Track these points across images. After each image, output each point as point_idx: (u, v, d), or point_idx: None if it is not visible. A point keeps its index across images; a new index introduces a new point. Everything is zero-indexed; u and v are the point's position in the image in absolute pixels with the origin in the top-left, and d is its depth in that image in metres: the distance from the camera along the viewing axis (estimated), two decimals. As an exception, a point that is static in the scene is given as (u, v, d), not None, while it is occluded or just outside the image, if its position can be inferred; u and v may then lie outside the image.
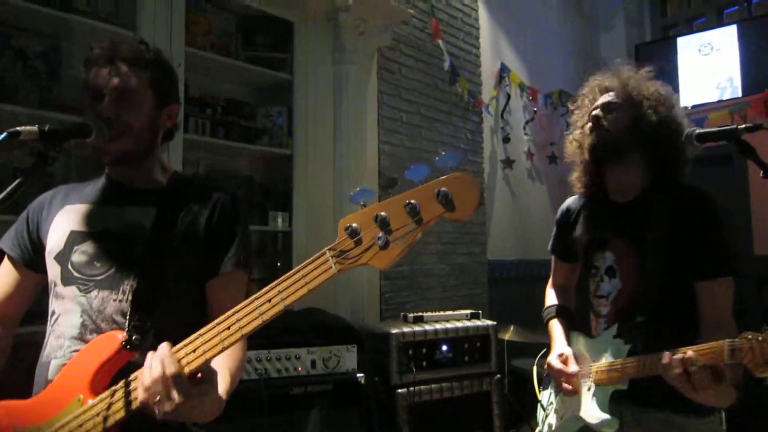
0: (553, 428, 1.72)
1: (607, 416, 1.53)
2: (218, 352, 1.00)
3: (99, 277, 1.23)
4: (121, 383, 1.09)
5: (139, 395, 1.00)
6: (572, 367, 1.64)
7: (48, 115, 2.11)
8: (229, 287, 1.30)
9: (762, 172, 1.36)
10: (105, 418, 1.07)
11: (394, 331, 2.74)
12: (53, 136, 1.11)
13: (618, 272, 1.62)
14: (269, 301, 0.97)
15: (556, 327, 1.81)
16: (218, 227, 1.30)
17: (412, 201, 0.90)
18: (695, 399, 1.32)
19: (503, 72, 4.47)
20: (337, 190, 3.16)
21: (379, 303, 3.33)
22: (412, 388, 2.70)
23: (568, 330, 1.78)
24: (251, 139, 2.86)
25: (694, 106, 4.93)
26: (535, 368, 1.94)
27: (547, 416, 1.77)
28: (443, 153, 0.91)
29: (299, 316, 2.53)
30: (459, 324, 2.97)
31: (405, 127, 3.64)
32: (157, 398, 0.97)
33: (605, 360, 1.57)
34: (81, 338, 1.20)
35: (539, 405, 1.82)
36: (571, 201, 1.86)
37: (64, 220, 1.30)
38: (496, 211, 4.37)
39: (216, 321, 1.01)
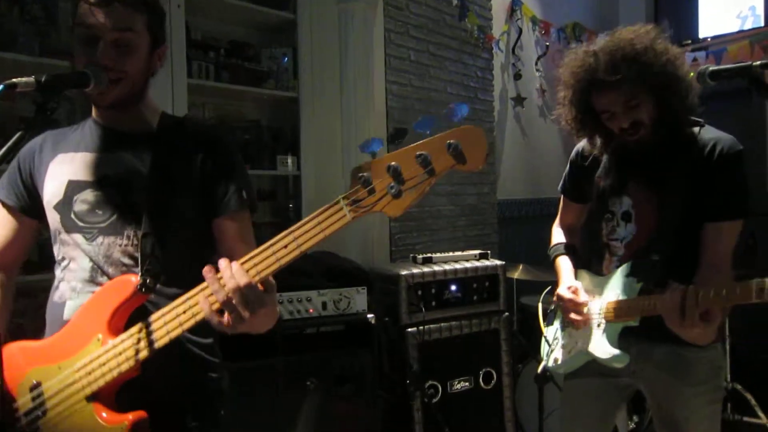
0: (559, 362, 1.76)
1: (617, 351, 1.56)
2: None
3: (102, 224, 1.25)
4: (140, 324, 1.13)
5: (212, 308, 1.04)
6: (583, 297, 1.66)
7: (49, 62, 2.08)
8: (235, 225, 1.31)
9: None
10: (128, 357, 1.11)
11: (404, 272, 2.77)
12: (51, 86, 1.10)
13: (634, 217, 1.64)
14: (285, 246, 1.02)
15: (564, 262, 1.82)
16: (215, 168, 1.30)
17: (424, 152, 0.93)
18: (680, 334, 1.41)
19: (515, 5, 4.30)
20: (345, 131, 3.12)
21: (389, 245, 3.36)
22: (421, 327, 2.76)
23: (576, 268, 1.80)
24: (256, 81, 2.81)
25: (713, 37, 4.75)
26: (540, 304, 1.97)
27: (552, 351, 1.81)
28: (452, 106, 0.95)
29: (310, 260, 2.57)
30: (468, 264, 3.00)
31: (413, 66, 3.56)
32: (233, 308, 1.02)
33: (617, 297, 1.59)
34: (93, 281, 1.24)
35: (544, 339, 1.86)
36: (586, 142, 1.82)
37: (59, 170, 1.30)
38: (507, 150, 4.32)
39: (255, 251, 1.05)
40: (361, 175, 0.97)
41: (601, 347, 1.60)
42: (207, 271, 1.04)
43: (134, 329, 1.13)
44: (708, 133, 1.59)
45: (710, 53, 4.43)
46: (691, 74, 1.51)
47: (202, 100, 2.76)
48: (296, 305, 2.40)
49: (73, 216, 1.26)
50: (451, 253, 3.13)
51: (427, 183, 0.95)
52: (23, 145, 1.11)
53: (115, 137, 1.32)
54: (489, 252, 3.23)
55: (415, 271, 2.82)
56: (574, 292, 1.68)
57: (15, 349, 1.25)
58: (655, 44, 1.52)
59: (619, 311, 1.57)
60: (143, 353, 1.11)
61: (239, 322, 1.03)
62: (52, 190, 1.29)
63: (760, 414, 3.06)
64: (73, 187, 1.27)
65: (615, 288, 1.61)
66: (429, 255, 3.02)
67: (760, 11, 4.60)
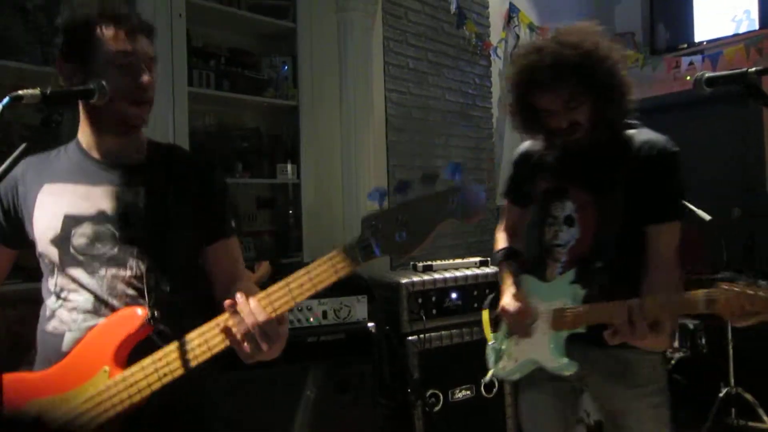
0: (507, 370, 1.75)
1: (565, 360, 1.57)
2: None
3: (104, 257, 1.25)
4: (152, 356, 1.14)
5: (232, 341, 1.09)
6: (526, 306, 1.64)
7: (53, 70, 2.06)
8: (229, 252, 1.37)
9: None
10: (140, 389, 1.13)
11: (404, 280, 2.77)
12: (57, 98, 1.11)
13: (577, 221, 1.63)
14: (301, 285, 1.08)
15: (506, 269, 1.81)
16: (206, 198, 1.35)
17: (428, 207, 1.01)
18: (633, 344, 1.43)
19: (512, 12, 4.32)
20: (344, 139, 3.14)
21: (389, 252, 3.35)
22: (422, 336, 2.75)
23: (521, 273, 1.78)
24: (257, 90, 2.82)
25: (709, 41, 4.78)
26: (485, 312, 1.94)
27: (499, 359, 1.78)
28: (451, 164, 1.02)
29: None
30: (468, 272, 3.00)
31: (412, 74, 3.57)
32: (254, 340, 1.07)
33: (562, 304, 1.59)
34: (96, 312, 1.24)
35: (490, 348, 1.83)
36: (528, 145, 1.83)
37: (50, 201, 1.29)
38: (506, 156, 4.32)
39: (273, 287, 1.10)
40: (370, 222, 1.05)
41: (549, 356, 1.60)
42: (228, 305, 1.09)
43: (147, 361, 1.14)
44: (643, 135, 1.59)
45: (706, 57, 4.45)
46: (624, 71, 1.53)
47: (202, 108, 2.76)
48: (297, 314, 2.39)
49: (72, 250, 1.26)
50: (451, 261, 3.13)
51: (428, 237, 1.04)
52: (24, 158, 1.11)
53: (108, 170, 1.31)
54: (489, 259, 3.23)
55: (416, 279, 2.82)
56: (518, 301, 1.66)
57: (13, 380, 1.24)
58: (599, 47, 1.51)
59: (565, 319, 1.57)
60: (155, 385, 1.13)
61: (258, 353, 1.08)
62: (46, 224, 1.28)
63: (765, 418, 3.06)
64: (70, 221, 1.27)
65: (560, 295, 1.60)
66: (429, 263, 3.02)
67: (755, 15, 4.64)
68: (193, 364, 1.12)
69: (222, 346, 1.11)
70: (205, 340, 1.11)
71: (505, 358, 1.76)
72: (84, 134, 1.33)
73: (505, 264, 1.83)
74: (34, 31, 2.15)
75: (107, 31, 1.24)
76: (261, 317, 1.06)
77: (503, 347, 1.77)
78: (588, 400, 1.80)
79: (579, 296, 1.56)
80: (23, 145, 1.09)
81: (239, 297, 1.09)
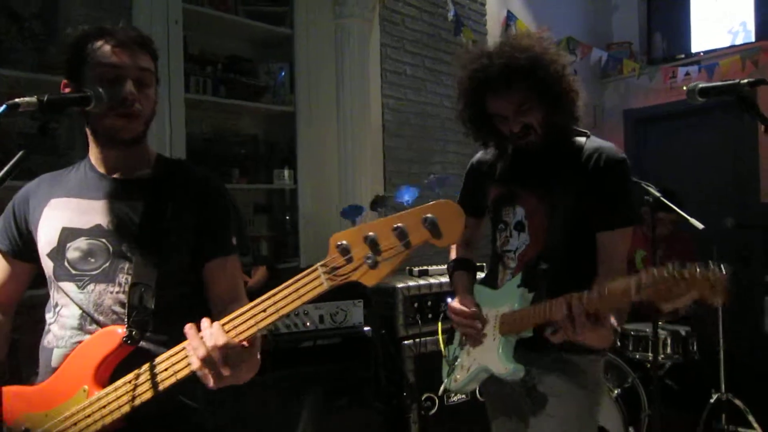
0: (459, 382, 1.73)
1: (512, 365, 1.56)
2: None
3: (94, 272, 1.25)
4: (125, 378, 1.14)
5: (193, 365, 1.05)
6: (472, 308, 1.64)
7: (48, 78, 2.09)
8: (227, 271, 1.33)
9: (764, 127, 1.37)
10: (111, 411, 1.13)
11: (400, 285, 2.78)
12: (53, 106, 1.12)
13: (527, 227, 1.64)
14: (264, 311, 1.04)
15: (458, 278, 1.82)
16: (208, 217, 1.32)
17: (401, 225, 0.93)
18: (575, 340, 1.41)
19: (510, 20, 4.35)
20: (341, 145, 3.15)
21: (386, 257, 3.36)
22: (418, 340, 2.76)
23: (473, 283, 1.79)
24: (253, 96, 2.84)
25: (705, 52, 4.81)
26: (440, 324, 1.95)
27: (453, 370, 1.77)
28: (432, 176, 0.93)
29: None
30: (464, 277, 3.01)
31: (409, 80, 3.60)
32: (214, 366, 1.03)
33: (510, 309, 1.59)
34: (81, 329, 1.24)
35: (444, 361, 1.82)
36: (480, 155, 1.85)
37: (53, 215, 1.30)
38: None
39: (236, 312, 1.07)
40: (340, 243, 0.96)
41: (497, 362, 1.58)
42: (188, 329, 1.06)
43: (120, 383, 1.14)
44: (592, 143, 1.61)
45: (702, 68, 4.48)
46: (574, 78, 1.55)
47: (199, 115, 2.78)
48: (293, 319, 2.41)
49: (66, 264, 1.26)
50: (446, 266, 3.14)
51: (403, 255, 0.94)
52: (21, 166, 1.12)
53: (110, 184, 1.32)
54: (485, 264, 3.24)
55: (411, 283, 2.83)
56: (464, 304, 1.66)
57: (11, 393, 1.26)
58: (548, 53, 1.54)
59: (512, 323, 1.56)
60: (125, 408, 1.12)
61: (219, 379, 1.04)
62: (46, 237, 1.29)
63: (755, 424, 3.07)
64: (67, 235, 1.28)
65: (508, 299, 1.60)
66: (425, 267, 3.04)
67: (751, 27, 4.67)
68: (160, 388, 1.10)
69: (187, 371, 1.08)
70: (171, 364, 1.10)
71: (458, 369, 1.74)
72: (91, 149, 1.34)
73: (456, 275, 1.84)
74: (30, 39, 2.16)
75: (97, 46, 1.25)
76: (221, 341, 1.02)
77: (456, 358, 1.76)
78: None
79: (527, 299, 1.56)
80: (21, 153, 1.11)
81: (204, 321, 1.06)
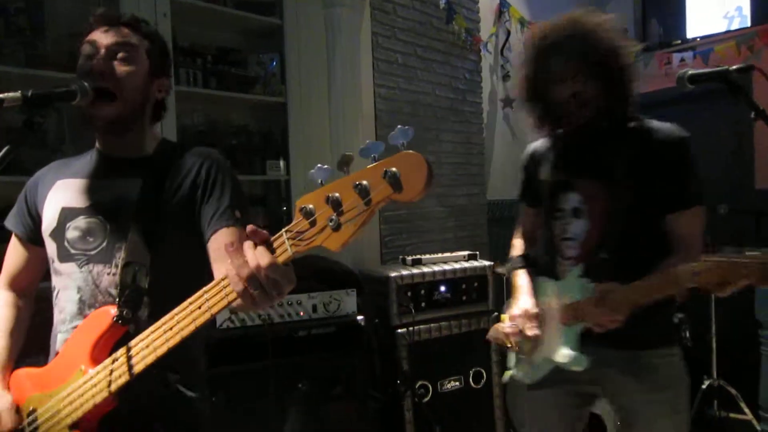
0: (525, 373, 1.74)
1: (574, 353, 1.56)
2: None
3: (92, 252, 1.26)
4: (113, 356, 1.13)
5: (237, 289, 0.94)
6: (535, 312, 1.65)
7: (37, 73, 2.09)
8: (226, 242, 1.28)
9: (753, 112, 1.38)
10: (107, 384, 1.12)
11: (393, 274, 2.80)
12: (37, 101, 1.13)
13: (585, 213, 1.63)
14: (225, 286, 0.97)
15: (519, 278, 1.80)
16: (206, 187, 1.30)
17: (362, 181, 0.87)
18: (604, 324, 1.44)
19: (503, 7, 4.33)
20: (333, 135, 3.15)
21: (380, 247, 3.39)
22: (411, 328, 2.79)
23: (535, 276, 1.78)
24: (244, 87, 2.84)
25: (701, 38, 4.79)
26: (503, 316, 1.96)
27: (518, 362, 1.79)
28: (398, 127, 0.86)
29: (299, 263, 2.58)
30: (457, 265, 3.04)
31: (401, 69, 3.59)
32: (262, 288, 0.93)
33: (572, 300, 1.58)
34: (80, 313, 1.25)
35: (509, 352, 1.83)
36: (536, 144, 1.86)
37: (56, 197, 1.32)
38: (496, 151, 4.36)
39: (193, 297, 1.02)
40: (304, 207, 0.91)
41: (559, 351, 1.60)
42: (228, 246, 0.95)
43: (108, 361, 1.13)
44: (651, 124, 1.61)
45: (697, 53, 4.47)
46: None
47: (190, 107, 2.78)
48: (287, 308, 2.43)
49: (66, 244, 1.28)
50: (440, 255, 3.17)
51: (365, 214, 0.87)
52: (8, 159, 1.13)
53: (109, 163, 1.34)
54: (478, 253, 3.26)
55: (405, 272, 2.85)
56: (526, 313, 1.66)
57: (22, 374, 1.30)
58: (612, 32, 1.57)
59: (574, 313, 1.56)
60: (115, 384, 1.11)
61: (266, 301, 0.96)
62: (48, 218, 1.31)
63: (746, 410, 3.10)
64: (66, 214, 1.29)
65: (570, 290, 1.60)
66: (418, 256, 3.05)
67: (747, 11, 4.64)
68: (140, 367, 1.07)
69: (165, 349, 1.04)
70: (152, 341, 1.06)
71: (524, 362, 1.75)
72: (96, 133, 1.36)
73: (518, 273, 1.81)
74: (17, 34, 2.16)
75: (86, 31, 1.27)
76: (265, 260, 0.92)
77: (520, 353, 1.76)
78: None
79: (589, 290, 1.54)
80: (6, 148, 1.12)
81: (247, 244, 0.94)
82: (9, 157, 1.13)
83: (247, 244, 0.95)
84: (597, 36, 1.55)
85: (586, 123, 1.57)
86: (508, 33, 4.39)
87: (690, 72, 1.49)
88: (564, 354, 1.58)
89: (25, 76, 2.10)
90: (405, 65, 3.61)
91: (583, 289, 1.56)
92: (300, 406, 2.35)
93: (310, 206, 0.91)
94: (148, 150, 1.36)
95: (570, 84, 1.55)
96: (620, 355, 1.57)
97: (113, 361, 1.12)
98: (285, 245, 0.94)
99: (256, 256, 0.92)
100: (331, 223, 0.89)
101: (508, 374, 1.83)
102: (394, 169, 0.85)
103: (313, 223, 0.91)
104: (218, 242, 1.27)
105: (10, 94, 1.11)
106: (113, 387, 1.11)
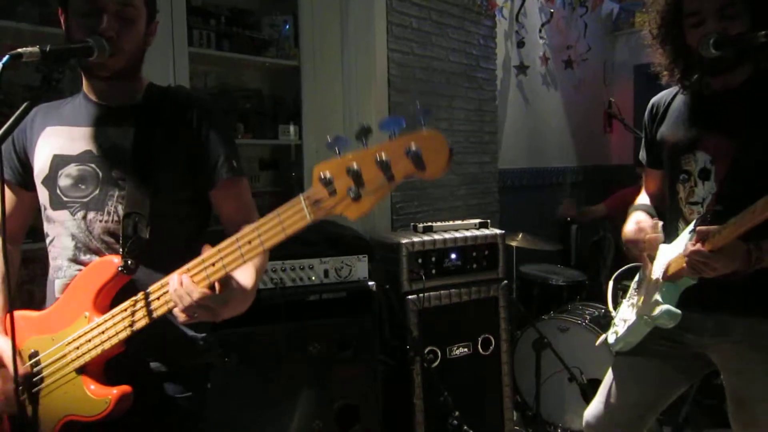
0: (618, 335, 1.68)
1: (666, 306, 1.47)
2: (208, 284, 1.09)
3: (85, 199, 1.27)
4: (123, 305, 1.17)
5: (178, 316, 1.11)
6: (649, 224, 1.55)
7: (49, 30, 2.08)
8: (231, 194, 1.34)
9: None
10: (110, 336, 1.18)
11: (404, 240, 2.81)
12: (56, 56, 1.12)
13: (713, 174, 1.48)
14: (249, 242, 1.04)
15: (635, 211, 1.69)
16: (202, 138, 1.31)
17: (384, 156, 0.88)
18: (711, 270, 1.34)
19: (519, -29, 4.24)
20: (346, 100, 3.13)
21: (391, 214, 3.38)
22: (421, 295, 2.80)
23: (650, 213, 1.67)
24: (257, 50, 2.81)
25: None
26: (611, 283, 1.92)
27: (615, 325, 1.73)
28: (419, 107, 0.88)
29: (312, 229, 2.57)
30: (467, 233, 3.03)
31: (415, 34, 3.53)
32: (194, 314, 1.09)
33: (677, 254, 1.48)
34: (75, 260, 1.28)
35: (614, 317, 1.76)
36: (659, 96, 1.68)
37: (46, 143, 1.32)
38: (509, 119, 4.31)
39: (205, 255, 1.09)
40: (323, 175, 0.93)
41: (653, 305, 1.50)
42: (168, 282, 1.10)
43: (117, 310, 1.18)
44: None
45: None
46: None
47: (203, 69, 2.76)
48: (299, 273, 2.44)
49: (58, 191, 1.28)
50: (451, 222, 3.16)
51: (386, 188, 0.90)
52: (26, 116, 1.13)
53: (101, 111, 1.33)
54: (489, 221, 3.25)
55: (416, 239, 2.86)
56: (640, 225, 1.55)
57: (18, 317, 1.29)
58: None
59: (674, 265, 1.46)
60: (124, 333, 1.16)
61: (209, 319, 1.11)
62: (39, 165, 1.31)
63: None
64: (58, 162, 1.29)
65: (677, 248, 1.50)
66: (429, 224, 3.05)
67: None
68: (155, 316, 1.14)
69: (165, 309, 1.13)
70: (163, 293, 1.13)
71: (619, 323, 1.68)
72: (84, 80, 1.36)
73: (634, 210, 1.70)
74: (30, -9, 2.13)
75: None
76: (195, 296, 1.06)
77: (621, 316, 1.71)
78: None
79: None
80: (25, 104, 1.11)
81: (173, 277, 1.10)
82: (27, 114, 1.13)
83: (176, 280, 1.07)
84: None
85: (729, 69, 1.41)
86: (524, -2, 4.29)
87: (714, 37, 1.40)
88: (657, 308, 1.49)
89: (38, 34, 2.08)
90: (419, 30, 3.55)
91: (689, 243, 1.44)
92: (310, 369, 2.38)
93: (329, 175, 0.93)
94: (137, 97, 1.36)
95: (717, 23, 1.38)
96: (740, 323, 1.47)
97: (134, 303, 1.16)
98: (304, 211, 0.96)
99: (187, 293, 1.06)
100: (351, 194, 0.91)
101: (602, 338, 1.76)
102: (416, 147, 0.86)
103: (332, 192, 0.93)
104: (219, 193, 1.33)
105: (29, 49, 1.10)
106: (122, 335, 1.17)
